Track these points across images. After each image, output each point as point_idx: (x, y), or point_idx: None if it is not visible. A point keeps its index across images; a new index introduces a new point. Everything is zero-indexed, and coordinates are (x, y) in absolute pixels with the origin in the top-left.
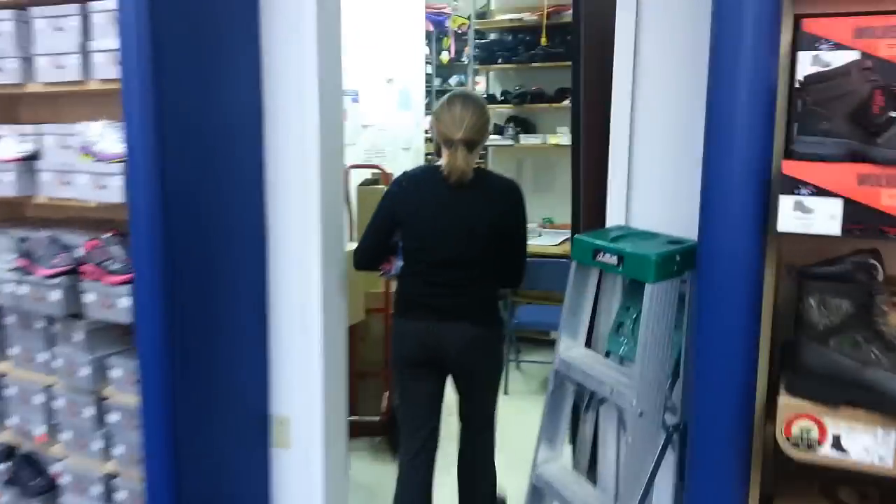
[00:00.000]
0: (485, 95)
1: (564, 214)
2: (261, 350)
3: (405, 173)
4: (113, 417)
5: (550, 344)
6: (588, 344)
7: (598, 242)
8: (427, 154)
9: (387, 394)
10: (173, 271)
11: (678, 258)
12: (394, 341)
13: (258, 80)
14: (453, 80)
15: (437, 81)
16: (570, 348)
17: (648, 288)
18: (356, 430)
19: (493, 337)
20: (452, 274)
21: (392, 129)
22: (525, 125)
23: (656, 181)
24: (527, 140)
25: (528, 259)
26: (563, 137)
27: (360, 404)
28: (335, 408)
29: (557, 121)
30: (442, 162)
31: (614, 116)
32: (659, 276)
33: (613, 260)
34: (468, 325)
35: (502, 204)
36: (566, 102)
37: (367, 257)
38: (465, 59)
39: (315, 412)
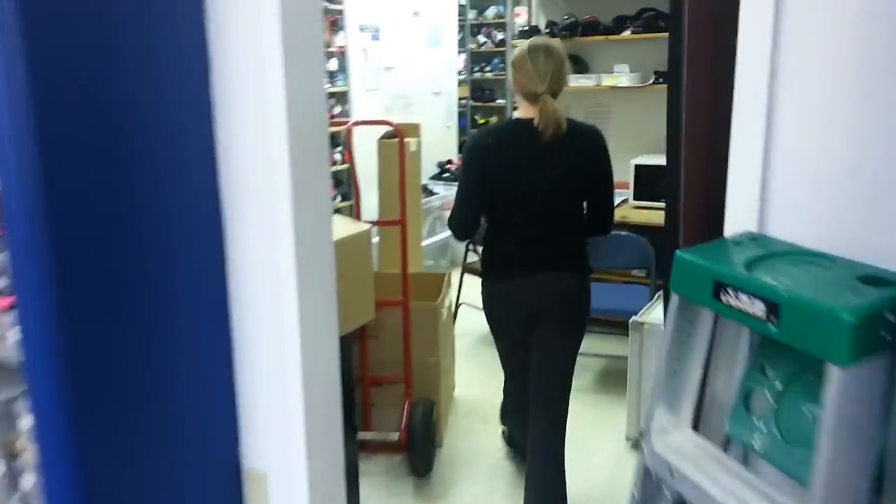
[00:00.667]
0: (526, 28)
1: (622, 171)
2: (225, 385)
3: (485, 129)
4: (29, 480)
5: (603, 327)
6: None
7: (723, 271)
8: (461, 99)
9: (407, 404)
10: (72, 288)
11: (893, 315)
12: (491, 305)
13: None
14: (490, 12)
15: (471, 14)
16: (669, 432)
17: (838, 374)
18: (371, 449)
19: (587, 286)
20: (547, 226)
21: (420, 71)
22: (575, 62)
23: (817, 160)
24: (577, 81)
25: None
26: (621, 78)
27: (376, 416)
28: (325, 456)
29: (615, 56)
30: (525, 115)
31: (743, 55)
32: (860, 352)
33: (758, 309)
34: (568, 276)
35: (591, 150)
36: (626, 33)
37: (468, 222)
38: None
39: (297, 464)
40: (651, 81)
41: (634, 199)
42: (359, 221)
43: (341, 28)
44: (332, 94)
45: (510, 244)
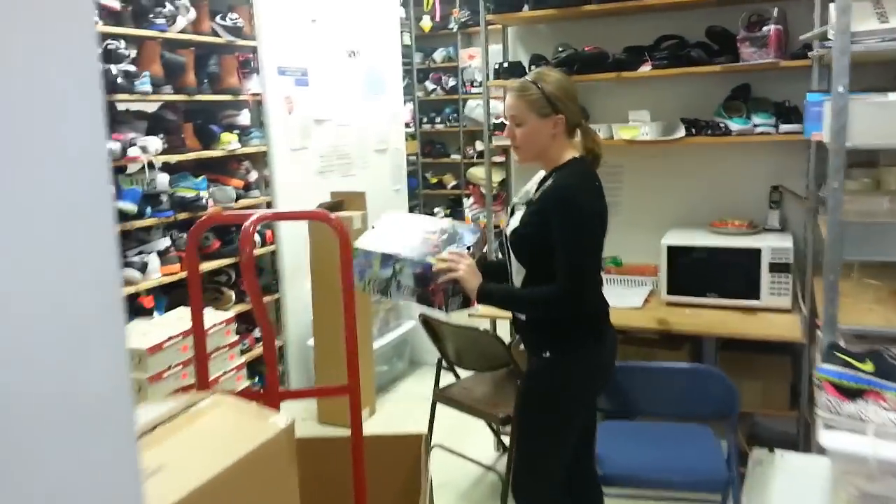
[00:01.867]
0: (500, 66)
1: (640, 250)
2: None
3: (588, 175)
4: None
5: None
6: None
7: None
8: (410, 155)
9: None
10: None
11: None
12: (585, 379)
13: None
14: (438, 55)
15: (417, 58)
16: None
17: None
18: None
19: None
20: None
21: (360, 124)
22: None
23: None
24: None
25: None
26: (641, 128)
27: None
28: None
29: (629, 100)
30: (574, 153)
31: None
32: None
33: None
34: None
35: None
36: (645, 69)
37: (589, 292)
38: (452, 26)
39: None
40: (680, 134)
41: (669, 292)
42: (264, 409)
43: (254, 70)
44: (244, 156)
45: (602, 299)
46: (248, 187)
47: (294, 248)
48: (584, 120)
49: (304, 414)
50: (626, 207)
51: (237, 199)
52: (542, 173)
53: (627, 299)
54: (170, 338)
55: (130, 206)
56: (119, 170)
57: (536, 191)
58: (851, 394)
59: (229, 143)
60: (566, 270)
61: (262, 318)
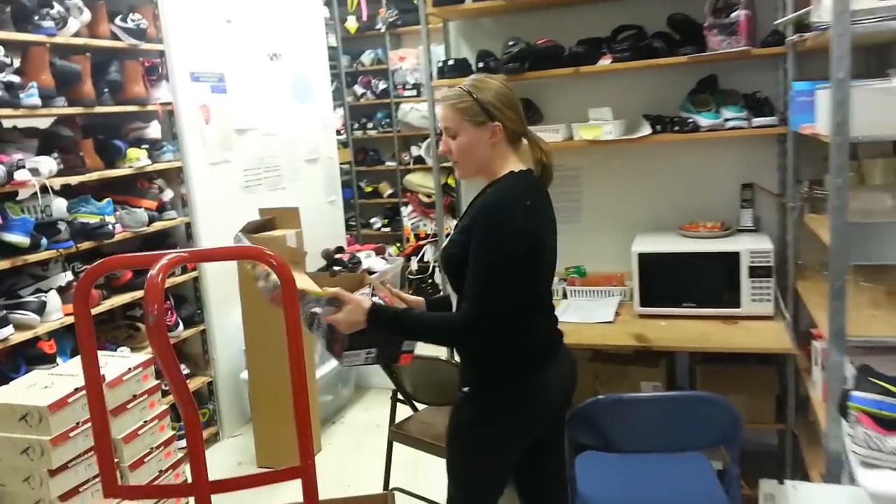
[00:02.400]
0: (444, 65)
1: (606, 258)
2: None
3: (519, 190)
4: None
5: None
6: None
7: None
8: (343, 164)
9: None
10: None
11: None
12: (523, 408)
13: None
14: (366, 58)
15: (344, 60)
16: None
17: None
18: None
19: None
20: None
21: (287, 134)
22: (526, 109)
23: None
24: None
25: None
26: (604, 127)
27: None
28: None
29: (588, 97)
30: (518, 166)
31: None
32: None
33: None
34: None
35: None
36: (605, 62)
37: (499, 321)
38: (380, 26)
39: None
40: (645, 131)
41: (643, 303)
42: None
43: (163, 77)
44: (157, 174)
45: (545, 327)
46: (162, 208)
47: (220, 272)
48: (522, 138)
49: (241, 458)
50: (588, 213)
51: (150, 221)
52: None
53: (597, 313)
54: (76, 389)
55: (21, 239)
56: (6, 196)
57: (469, 205)
58: (893, 425)
59: (137, 159)
60: (469, 297)
61: (185, 403)
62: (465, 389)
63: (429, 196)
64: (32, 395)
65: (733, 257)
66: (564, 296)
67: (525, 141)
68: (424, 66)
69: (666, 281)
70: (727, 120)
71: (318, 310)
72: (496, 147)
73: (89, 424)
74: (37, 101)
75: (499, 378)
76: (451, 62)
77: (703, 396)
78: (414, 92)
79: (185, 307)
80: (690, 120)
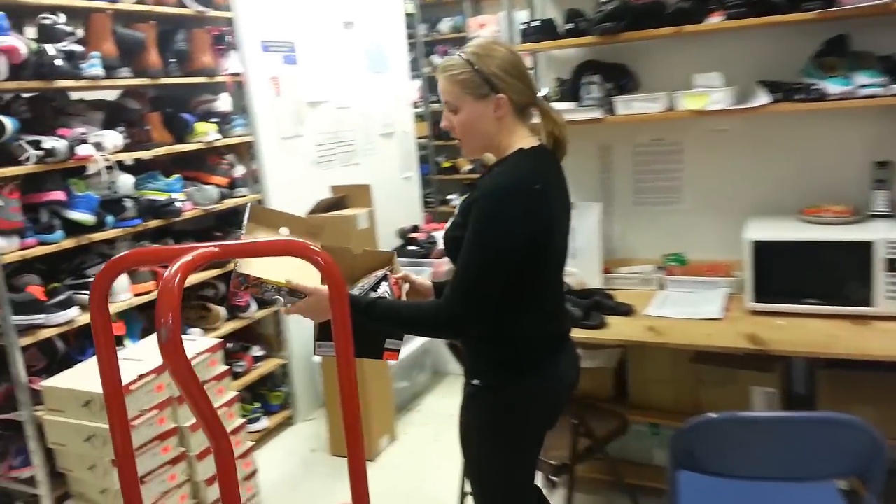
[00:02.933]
0: (530, 25)
1: (710, 246)
2: None
3: (527, 172)
4: None
5: None
6: None
7: None
8: (420, 138)
9: None
10: None
11: None
12: (536, 402)
13: None
14: (445, 25)
15: (421, 28)
16: None
17: None
18: None
19: None
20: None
21: (362, 106)
22: (620, 76)
23: None
24: (628, 107)
25: None
26: (711, 96)
27: None
28: None
29: (693, 61)
30: (529, 142)
31: None
32: None
33: None
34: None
35: None
36: (715, 20)
37: (481, 318)
38: None
39: None
40: (763, 100)
41: (756, 298)
42: None
43: (232, 47)
44: (227, 149)
45: (555, 315)
46: (233, 184)
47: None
48: (531, 108)
49: (314, 444)
50: (691, 193)
51: (221, 198)
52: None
53: (701, 308)
54: (140, 376)
55: (85, 216)
56: (71, 172)
57: (473, 185)
58: None
59: (206, 133)
60: (453, 289)
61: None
62: (476, 383)
63: None
64: (96, 381)
65: (865, 247)
66: (661, 287)
67: (538, 112)
68: (505, 31)
69: (784, 273)
70: (862, 87)
71: (279, 298)
72: (502, 121)
73: (154, 412)
74: (99, 71)
75: (511, 370)
76: (535, 23)
77: (838, 419)
78: None
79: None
80: (816, 87)
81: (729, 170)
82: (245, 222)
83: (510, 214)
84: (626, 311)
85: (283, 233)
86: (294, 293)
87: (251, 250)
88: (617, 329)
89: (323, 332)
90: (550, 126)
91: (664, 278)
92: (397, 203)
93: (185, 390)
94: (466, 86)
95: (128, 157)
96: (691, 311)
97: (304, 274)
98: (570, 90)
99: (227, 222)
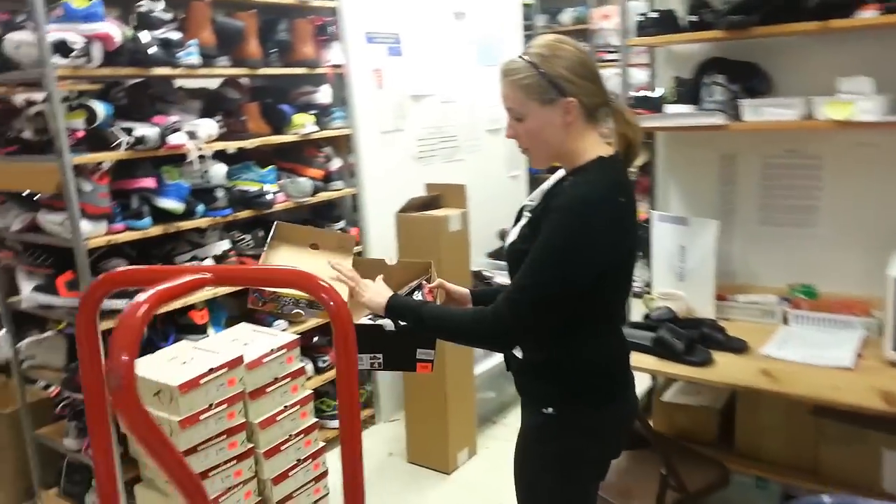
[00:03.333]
0: (645, 19)
1: (845, 278)
2: None
3: (612, 184)
4: None
5: None
6: None
7: None
8: None
9: None
10: None
11: None
12: (613, 432)
13: None
14: (566, 17)
15: (540, 19)
16: None
17: None
18: None
19: None
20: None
21: (467, 100)
22: (749, 77)
23: None
24: (757, 112)
25: None
26: (857, 103)
27: None
28: None
29: (839, 61)
30: (604, 150)
31: None
32: None
33: None
34: None
35: None
36: (867, 14)
37: (540, 327)
38: None
39: None
40: None
41: None
42: None
43: (335, 38)
44: (325, 142)
45: (621, 343)
46: (328, 178)
47: (387, 237)
48: (602, 113)
49: (393, 447)
50: (828, 216)
51: (315, 192)
52: (562, 172)
53: (829, 351)
54: (211, 370)
55: (175, 204)
56: (165, 160)
57: (544, 196)
58: None
59: (304, 125)
60: (511, 296)
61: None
62: (548, 411)
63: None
64: (168, 371)
65: None
66: (783, 321)
67: (609, 113)
68: (620, 24)
69: None
70: None
71: (300, 312)
72: (571, 127)
73: (224, 406)
74: (196, 60)
75: (589, 397)
76: (653, 15)
77: None
78: (617, 55)
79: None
80: None
81: (876, 192)
82: (269, 240)
83: (595, 227)
84: (738, 347)
85: (306, 257)
86: (314, 304)
87: (250, 278)
88: (725, 369)
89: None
90: (624, 129)
91: (788, 312)
92: (501, 203)
93: (144, 444)
94: (531, 91)
95: (222, 147)
96: (817, 354)
97: (325, 276)
98: (689, 91)
99: (321, 215)
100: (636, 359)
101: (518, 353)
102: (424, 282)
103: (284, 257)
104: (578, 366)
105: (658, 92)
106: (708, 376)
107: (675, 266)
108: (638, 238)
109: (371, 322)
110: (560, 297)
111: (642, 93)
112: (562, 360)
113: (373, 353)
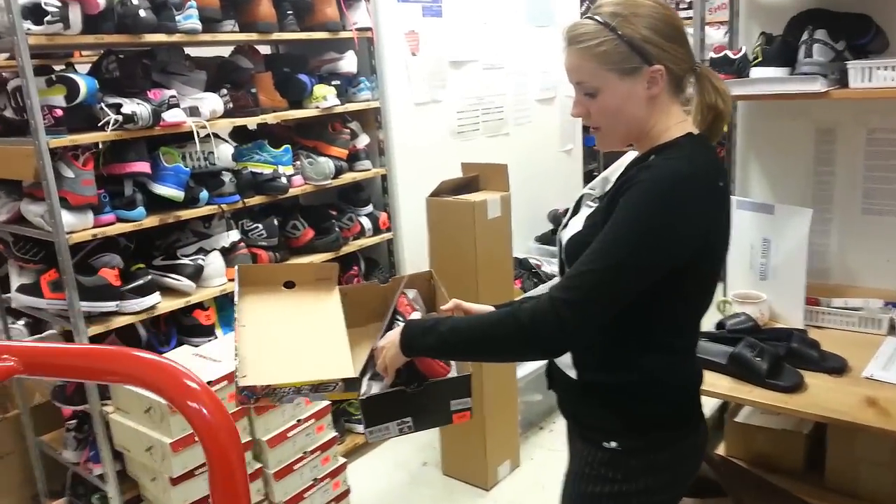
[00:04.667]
0: None
1: None
2: None
3: (707, 164)
4: None
5: None
6: None
7: None
8: None
9: None
10: None
11: None
12: (689, 466)
13: None
14: None
15: None
16: None
17: None
18: None
19: None
20: None
21: (515, 66)
22: (858, 33)
23: None
24: (867, 76)
25: None
26: None
27: None
28: None
29: None
30: (687, 126)
31: None
32: None
33: None
34: None
35: None
36: None
37: (593, 332)
38: None
39: None
40: None
41: None
42: None
43: None
44: (350, 116)
45: (696, 362)
46: (354, 156)
47: (421, 231)
48: (686, 80)
49: (428, 457)
50: None
51: (337, 173)
52: (630, 155)
53: None
54: (208, 383)
55: (173, 191)
56: (164, 139)
57: (618, 180)
58: None
59: (324, 98)
60: (568, 275)
61: None
62: (611, 446)
63: None
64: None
65: None
66: (890, 331)
67: (692, 79)
68: None
69: None
70: None
71: (302, 399)
72: (656, 100)
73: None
74: (195, 24)
75: (666, 428)
76: None
77: None
78: (690, 12)
79: (376, 273)
80: None
81: None
82: (236, 288)
83: (687, 208)
84: (835, 368)
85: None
86: (321, 388)
87: (75, 367)
88: (818, 395)
89: (373, 415)
90: (713, 98)
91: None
92: (553, 180)
93: None
94: (608, 59)
95: (229, 125)
96: None
97: (328, 341)
98: (780, 51)
99: (347, 199)
100: (705, 379)
101: (571, 372)
102: (404, 291)
103: (256, 306)
104: (652, 389)
105: (741, 53)
106: (797, 405)
107: (757, 263)
108: (730, 233)
109: (389, 390)
110: (630, 289)
111: (723, 53)
112: (631, 383)
113: (400, 419)
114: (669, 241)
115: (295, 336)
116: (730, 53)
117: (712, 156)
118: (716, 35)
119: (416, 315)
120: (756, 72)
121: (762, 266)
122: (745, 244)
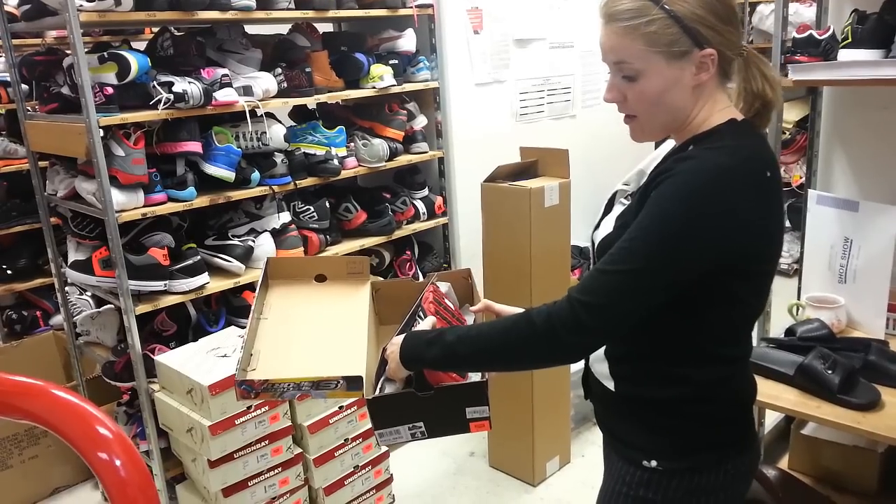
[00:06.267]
0: None
1: None
2: None
3: (754, 153)
4: None
5: None
6: None
7: None
8: None
9: None
10: None
11: None
12: (740, 488)
13: None
14: None
15: None
16: None
17: None
18: None
19: None
20: None
21: (586, 44)
22: None
23: None
24: None
25: None
26: None
27: None
28: None
29: None
30: (733, 112)
31: None
32: None
33: None
34: None
35: None
36: None
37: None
38: None
39: None
40: None
41: None
42: None
43: None
44: (408, 97)
45: (749, 378)
46: (411, 138)
47: (476, 216)
48: (734, 61)
49: (475, 447)
50: None
51: (392, 155)
52: (668, 145)
53: None
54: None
55: (224, 172)
56: (220, 118)
57: (653, 172)
58: None
59: (381, 77)
60: (595, 274)
61: None
62: (651, 465)
63: (784, 131)
64: (204, 366)
65: None
66: None
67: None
68: None
69: None
70: None
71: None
72: (703, 88)
73: (265, 409)
74: (249, 1)
75: (716, 448)
76: None
77: None
78: None
79: (430, 258)
80: None
81: None
82: (260, 280)
83: (731, 199)
84: None
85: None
86: (321, 385)
87: None
88: None
89: (382, 417)
90: (760, 85)
91: None
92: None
93: None
94: (657, 41)
95: (281, 105)
96: None
97: (346, 338)
98: (876, 30)
99: (403, 182)
100: (770, 391)
101: (609, 383)
102: (436, 284)
103: (284, 299)
104: (703, 404)
105: (828, 32)
106: (872, 425)
107: (836, 264)
108: (783, 228)
109: (396, 392)
110: (658, 293)
111: (808, 32)
112: (678, 397)
113: (412, 423)
114: (704, 241)
115: (313, 331)
116: (815, 33)
117: (759, 144)
118: (806, 13)
119: (428, 323)
120: (845, 54)
121: (841, 268)
122: (824, 243)
